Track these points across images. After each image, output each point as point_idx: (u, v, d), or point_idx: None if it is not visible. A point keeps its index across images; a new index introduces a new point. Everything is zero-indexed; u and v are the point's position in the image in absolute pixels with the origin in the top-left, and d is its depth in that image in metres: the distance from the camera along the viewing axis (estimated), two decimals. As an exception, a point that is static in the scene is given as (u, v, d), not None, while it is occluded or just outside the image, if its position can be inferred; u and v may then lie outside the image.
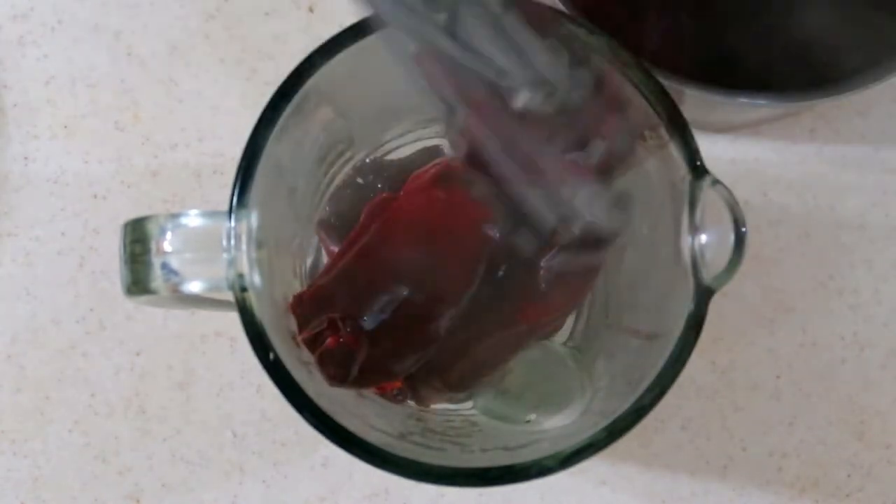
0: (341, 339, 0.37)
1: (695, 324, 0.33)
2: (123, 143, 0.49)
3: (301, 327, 0.38)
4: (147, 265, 0.34)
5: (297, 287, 0.40)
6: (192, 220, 0.34)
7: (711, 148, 0.48)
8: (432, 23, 0.27)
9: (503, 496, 0.47)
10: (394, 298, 0.38)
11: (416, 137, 0.43)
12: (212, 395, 0.48)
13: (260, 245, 0.35)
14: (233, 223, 0.34)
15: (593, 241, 0.34)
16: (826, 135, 0.49)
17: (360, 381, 0.38)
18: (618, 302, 0.41)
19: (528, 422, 0.41)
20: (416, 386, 0.40)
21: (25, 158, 0.49)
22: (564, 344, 0.42)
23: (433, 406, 0.41)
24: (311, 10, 0.50)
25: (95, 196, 0.49)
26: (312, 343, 0.37)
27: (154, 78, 0.49)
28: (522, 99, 0.29)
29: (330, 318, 0.37)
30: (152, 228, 0.34)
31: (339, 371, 0.37)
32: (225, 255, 0.34)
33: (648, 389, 0.33)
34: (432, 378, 0.40)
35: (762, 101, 0.40)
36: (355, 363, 0.37)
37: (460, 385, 0.40)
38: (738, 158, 0.49)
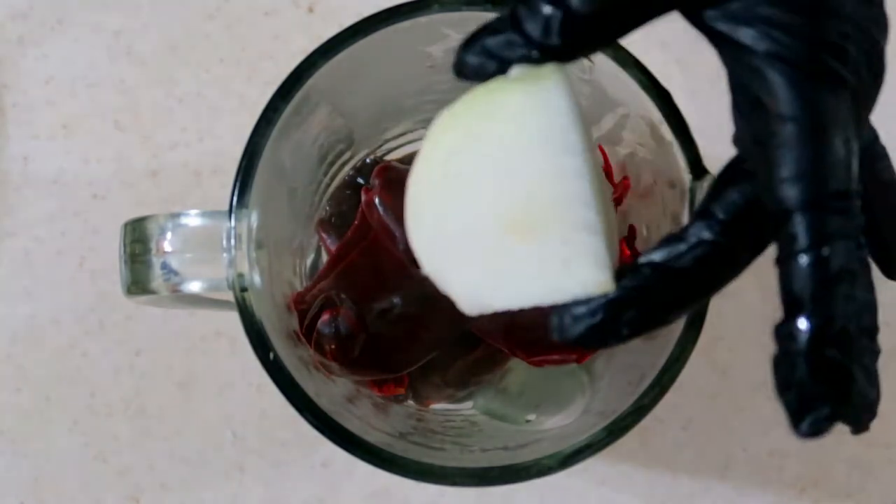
0: (339, 315, 0.37)
1: (695, 323, 0.33)
2: (123, 143, 0.49)
3: (302, 324, 0.38)
4: (147, 265, 0.34)
5: (297, 286, 0.40)
6: (192, 219, 0.34)
7: (711, 148, 0.48)
8: None
9: (503, 496, 0.47)
10: (395, 303, 0.38)
11: (416, 137, 0.43)
12: (212, 395, 0.48)
13: (260, 245, 0.35)
14: (233, 223, 0.34)
15: None
16: (826, 135, 0.49)
17: (360, 368, 0.38)
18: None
19: (528, 421, 0.41)
20: (416, 384, 0.40)
21: (25, 158, 0.49)
22: (564, 344, 0.42)
23: (433, 406, 0.41)
24: (310, 10, 0.50)
25: (95, 196, 0.49)
26: (311, 333, 0.37)
27: (154, 78, 0.49)
28: None
29: (326, 296, 0.37)
30: (152, 228, 0.34)
31: (339, 348, 0.37)
32: (225, 255, 0.34)
33: (648, 389, 0.33)
34: (432, 375, 0.40)
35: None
36: (355, 342, 0.37)
37: (460, 382, 0.40)
38: (738, 158, 0.49)
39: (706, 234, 0.27)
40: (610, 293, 0.27)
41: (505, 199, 0.27)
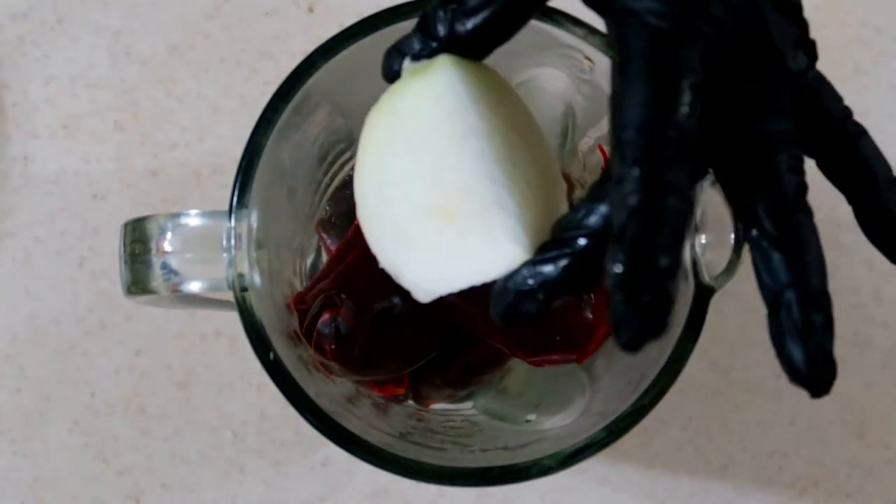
0: (339, 315, 0.37)
1: (695, 324, 0.33)
2: (123, 143, 0.49)
3: (302, 324, 0.38)
4: (147, 265, 0.34)
5: (297, 286, 0.40)
6: (192, 219, 0.34)
7: (711, 148, 0.48)
8: None
9: (503, 496, 0.47)
10: (395, 303, 0.38)
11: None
12: (212, 395, 0.48)
13: (260, 245, 0.35)
14: (233, 223, 0.34)
15: None
16: (826, 135, 0.49)
17: (360, 368, 0.38)
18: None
19: (528, 421, 0.41)
20: (416, 384, 0.40)
21: (25, 158, 0.49)
22: (564, 344, 0.42)
23: (433, 406, 0.41)
24: (310, 10, 0.50)
25: (95, 196, 0.49)
26: (311, 333, 0.37)
27: (154, 78, 0.49)
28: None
29: (326, 296, 0.37)
30: (152, 228, 0.34)
31: (339, 348, 0.37)
32: (225, 255, 0.34)
33: (648, 389, 0.33)
34: (432, 375, 0.40)
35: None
36: (355, 342, 0.37)
37: (460, 382, 0.40)
38: (738, 158, 0.49)
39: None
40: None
41: (426, 186, 0.29)
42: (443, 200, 0.29)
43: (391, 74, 0.30)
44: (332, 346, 0.37)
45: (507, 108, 0.30)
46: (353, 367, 0.37)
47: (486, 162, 0.28)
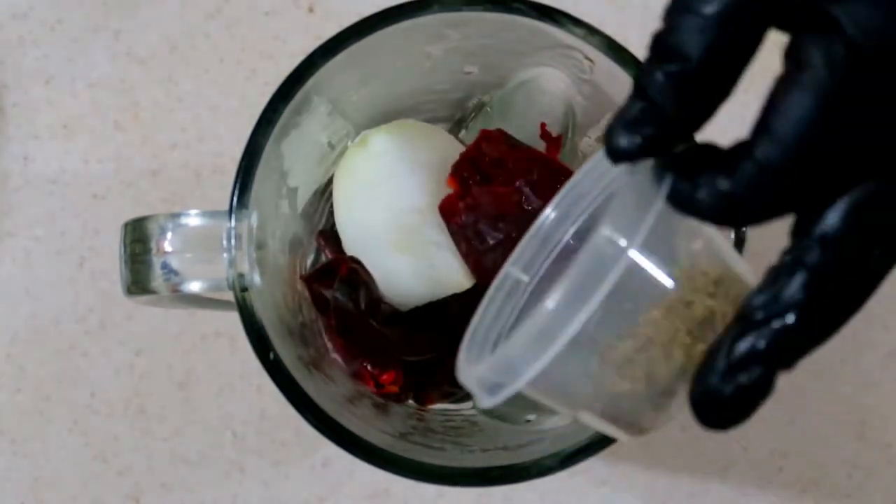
0: (391, 387, 0.39)
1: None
2: (123, 143, 0.49)
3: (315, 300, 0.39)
4: (147, 265, 0.34)
5: (297, 286, 0.40)
6: (193, 219, 0.34)
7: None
8: None
9: (503, 496, 0.47)
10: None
11: (416, 137, 0.43)
12: (212, 395, 0.48)
13: (260, 245, 0.35)
14: (233, 223, 0.34)
15: None
16: (826, 135, 0.49)
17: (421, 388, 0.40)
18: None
19: (528, 422, 0.41)
20: (417, 383, 0.40)
21: (25, 158, 0.49)
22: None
23: (433, 406, 0.41)
24: (311, 10, 0.50)
25: (95, 196, 0.49)
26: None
27: (154, 78, 0.49)
28: None
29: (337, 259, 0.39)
30: (152, 228, 0.34)
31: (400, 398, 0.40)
32: (225, 255, 0.34)
33: (648, 389, 0.33)
34: (432, 374, 0.40)
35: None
36: (408, 392, 0.40)
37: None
38: (738, 158, 0.49)
39: None
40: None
41: (385, 227, 0.37)
42: (397, 238, 0.37)
43: (619, 153, 0.25)
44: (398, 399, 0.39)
45: (436, 152, 0.38)
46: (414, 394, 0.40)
47: (421, 214, 0.37)
